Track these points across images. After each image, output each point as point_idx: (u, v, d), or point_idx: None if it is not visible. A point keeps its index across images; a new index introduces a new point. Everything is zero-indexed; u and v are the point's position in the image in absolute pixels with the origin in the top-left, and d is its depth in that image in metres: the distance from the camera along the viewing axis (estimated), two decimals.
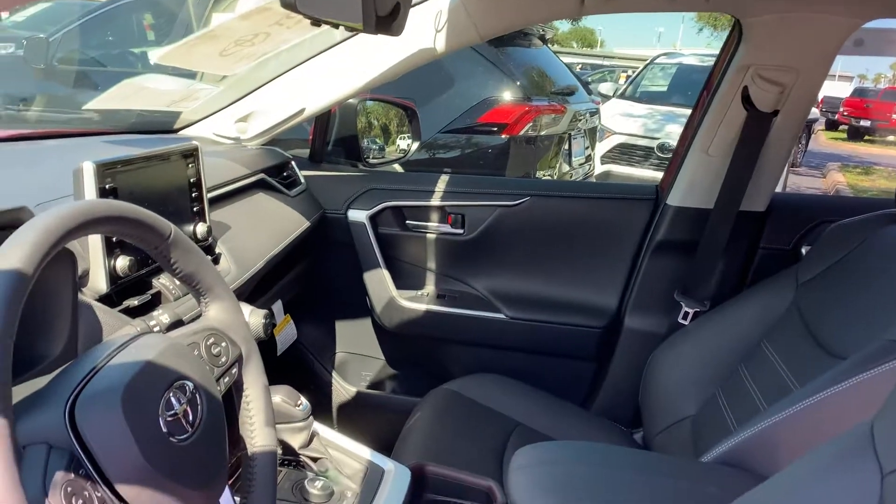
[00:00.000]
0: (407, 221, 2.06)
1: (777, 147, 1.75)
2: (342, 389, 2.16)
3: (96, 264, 1.07)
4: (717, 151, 1.79)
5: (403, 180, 2.12)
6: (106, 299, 1.09)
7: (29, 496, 0.61)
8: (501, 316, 2.01)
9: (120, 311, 1.09)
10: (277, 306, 1.78)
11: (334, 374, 2.17)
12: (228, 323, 0.96)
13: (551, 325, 1.97)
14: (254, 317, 1.35)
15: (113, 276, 1.09)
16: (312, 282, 2.12)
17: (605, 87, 9.38)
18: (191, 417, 0.78)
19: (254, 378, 0.99)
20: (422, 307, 2.03)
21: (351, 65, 1.80)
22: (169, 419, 0.75)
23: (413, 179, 2.13)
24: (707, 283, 1.83)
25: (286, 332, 1.81)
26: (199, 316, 0.97)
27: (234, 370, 0.96)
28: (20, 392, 0.81)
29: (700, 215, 1.83)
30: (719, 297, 1.80)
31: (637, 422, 1.88)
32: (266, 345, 1.67)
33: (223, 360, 0.93)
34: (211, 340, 0.93)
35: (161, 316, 0.99)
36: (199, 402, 0.80)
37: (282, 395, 1.29)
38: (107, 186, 1.09)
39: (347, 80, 1.84)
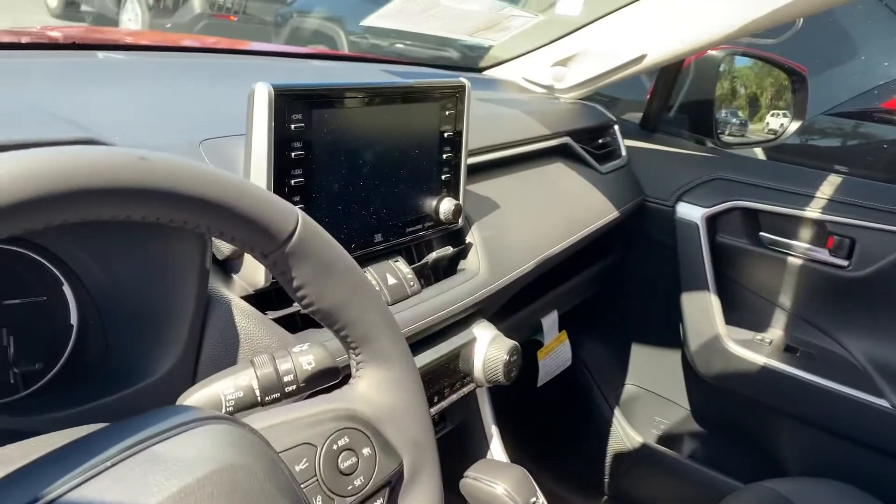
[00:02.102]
0: (761, 233, 1.44)
1: None
2: (623, 434, 1.65)
3: None
4: None
5: (766, 172, 1.49)
6: (265, 298, 0.72)
7: None
8: (884, 403, 1.32)
9: (277, 319, 0.71)
10: (550, 319, 1.31)
11: (617, 411, 1.67)
12: (387, 410, 0.52)
13: None
14: (494, 347, 0.90)
15: None
16: (608, 288, 1.61)
17: None
18: None
19: None
20: (758, 359, 1.41)
21: None
22: None
23: (781, 173, 1.49)
24: None
25: (556, 357, 1.34)
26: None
27: (379, 501, 0.51)
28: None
29: None
30: None
31: None
32: (524, 369, 1.22)
33: (358, 482, 0.50)
34: (343, 441, 0.49)
35: (304, 356, 0.57)
36: None
37: (507, 485, 0.83)
38: (292, 126, 0.70)
39: (714, 21, 1.27)
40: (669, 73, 1.59)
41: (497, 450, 1.03)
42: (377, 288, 0.81)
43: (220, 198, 0.41)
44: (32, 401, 0.62)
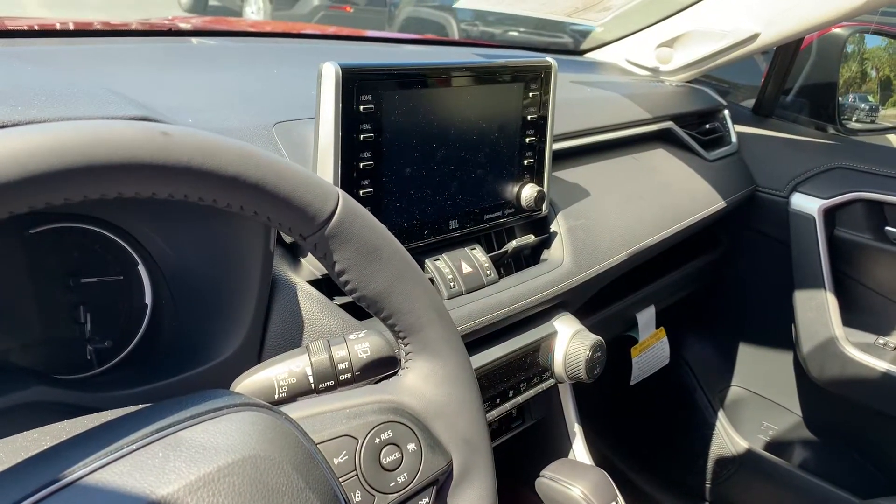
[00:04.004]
0: (887, 227, 1.31)
1: None
2: (726, 438, 1.55)
3: None
4: None
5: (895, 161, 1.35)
6: (334, 284, 0.71)
7: None
8: None
9: (344, 305, 0.70)
10: (647, 315, 1.24)
11: (721, 413, 1.57)
12: (436, 405, 0.49)
13: None
14: (576, 342, 0.86)
15: None
16: (713, 283, 1.51)
17: None
18: None
19: None
20: (879, 365, 1.29)
21: None
22: None
23: None
24: None
25: (652, 354, 1.27)
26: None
27: (424, 500, 0.49)
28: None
29: None
30: None
31: None
32: (617, 366, 1.17)
33: (401, 478, 0.47)
34: (387, 435, 0.47)
35: (359, 343, 0.55)
36: None
37: (584, 488, 0.78)
38: (361, 108, 0.68)
39: None
40: (786, 54, 1.47)
41: (579, 449, 0.99)
42: (450, 276, 0.78)
43: (250, 175, 0.39)
44: (103, 378, 0.64)
